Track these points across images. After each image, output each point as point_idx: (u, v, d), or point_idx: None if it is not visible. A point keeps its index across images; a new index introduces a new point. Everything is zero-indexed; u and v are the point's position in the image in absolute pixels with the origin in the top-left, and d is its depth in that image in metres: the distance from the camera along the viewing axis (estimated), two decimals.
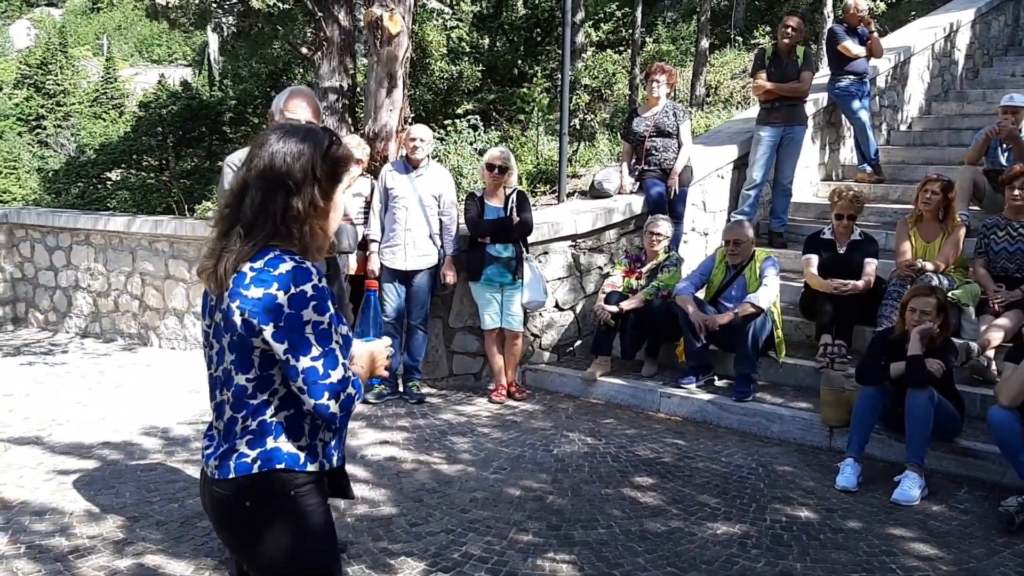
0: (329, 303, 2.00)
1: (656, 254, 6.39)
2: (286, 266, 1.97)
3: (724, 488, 4.63)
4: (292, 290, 1.95)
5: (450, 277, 6.19)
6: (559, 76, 8.96)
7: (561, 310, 6.76)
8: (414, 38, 10.15)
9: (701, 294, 6.21)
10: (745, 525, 4.18)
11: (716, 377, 6.12)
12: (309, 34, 10.22)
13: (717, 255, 6.25)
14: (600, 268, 6.91)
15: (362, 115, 8.37)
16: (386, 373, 2.30)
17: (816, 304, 6.05)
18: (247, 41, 13.05)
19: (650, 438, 5.43)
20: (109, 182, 14.35)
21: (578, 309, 6.85)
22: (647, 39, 15.83)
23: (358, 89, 9.62)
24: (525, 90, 11.90)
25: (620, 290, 6.35)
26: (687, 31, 16.79)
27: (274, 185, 2.00)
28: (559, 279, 6.70)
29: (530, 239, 6.26)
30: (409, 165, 6.14)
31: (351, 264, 6.17)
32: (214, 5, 11.17)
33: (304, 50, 9.69)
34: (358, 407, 6.02)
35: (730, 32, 16.10)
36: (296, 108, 3.54)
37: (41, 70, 46.34)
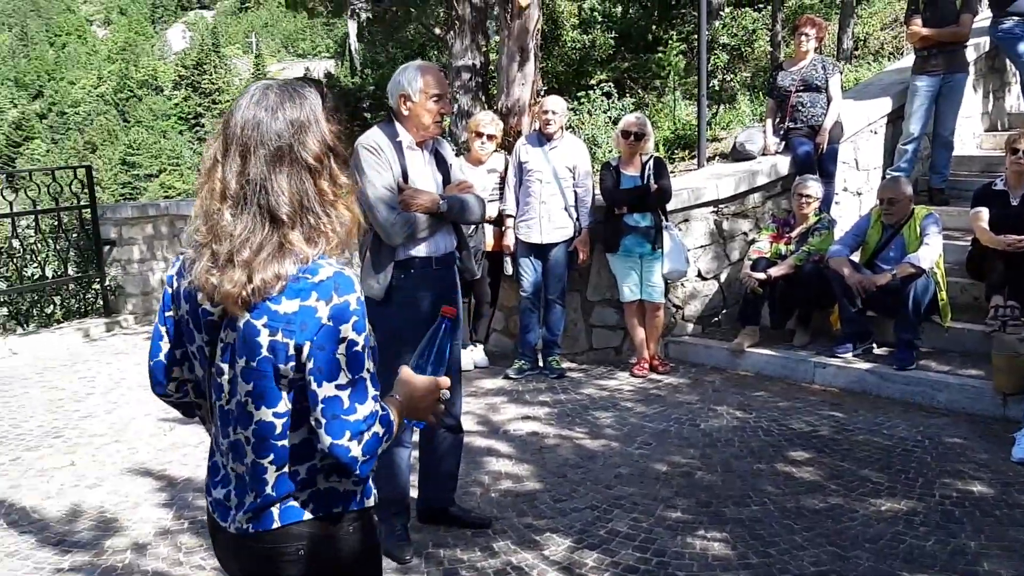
0: (366, 321, 1.64)
1: (806, 217, 6.07)
2: (326, 272, 1.61)
3: (887, 462, 4.36)
4: (335, 300, 1.60)
5: (583, 255, 6.07)
6: (695, 38, 8.65)
7: (704, 279, 6.54)
8: (545, 10, 10.05)
9: (856, 257, 5.86)
10: (912, 501, 3.92)
11: (875, 345, 5.78)
12: (442, 14, 10.28)
13: (872, 215, 5.88)
14: (745, 234, 6.64)
15: (495, 92, 8.36)
16: (433, 419, 1.88)
17: (986, 262, 5.60)
18: (382, 26, 13.29)
19: (804, 411, 5.18)
20: None
21: (723, 278, 6.61)
22: None
23: (490, 67, 9.62)
24: (660, 55, 11.58)
25: (767, 256, 6.07)
26: None
27: (285, 162, 1.62)
28: (701, 247, 6.48)
29: (669, 207, 6.07)
30: (543, 138, 6.06)
31: (488, 240, 6.16)
32: None
33: (437, 30, 9.77)
34: (499, 383, 6.05)
35: None
36: (436, 85, 3.43)
37: (197, 71, 49.13)
